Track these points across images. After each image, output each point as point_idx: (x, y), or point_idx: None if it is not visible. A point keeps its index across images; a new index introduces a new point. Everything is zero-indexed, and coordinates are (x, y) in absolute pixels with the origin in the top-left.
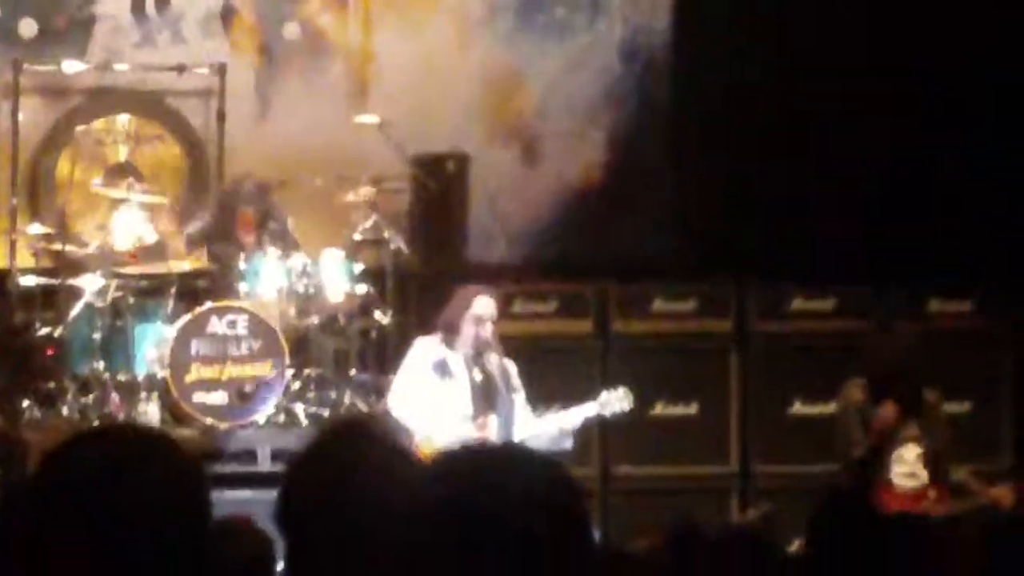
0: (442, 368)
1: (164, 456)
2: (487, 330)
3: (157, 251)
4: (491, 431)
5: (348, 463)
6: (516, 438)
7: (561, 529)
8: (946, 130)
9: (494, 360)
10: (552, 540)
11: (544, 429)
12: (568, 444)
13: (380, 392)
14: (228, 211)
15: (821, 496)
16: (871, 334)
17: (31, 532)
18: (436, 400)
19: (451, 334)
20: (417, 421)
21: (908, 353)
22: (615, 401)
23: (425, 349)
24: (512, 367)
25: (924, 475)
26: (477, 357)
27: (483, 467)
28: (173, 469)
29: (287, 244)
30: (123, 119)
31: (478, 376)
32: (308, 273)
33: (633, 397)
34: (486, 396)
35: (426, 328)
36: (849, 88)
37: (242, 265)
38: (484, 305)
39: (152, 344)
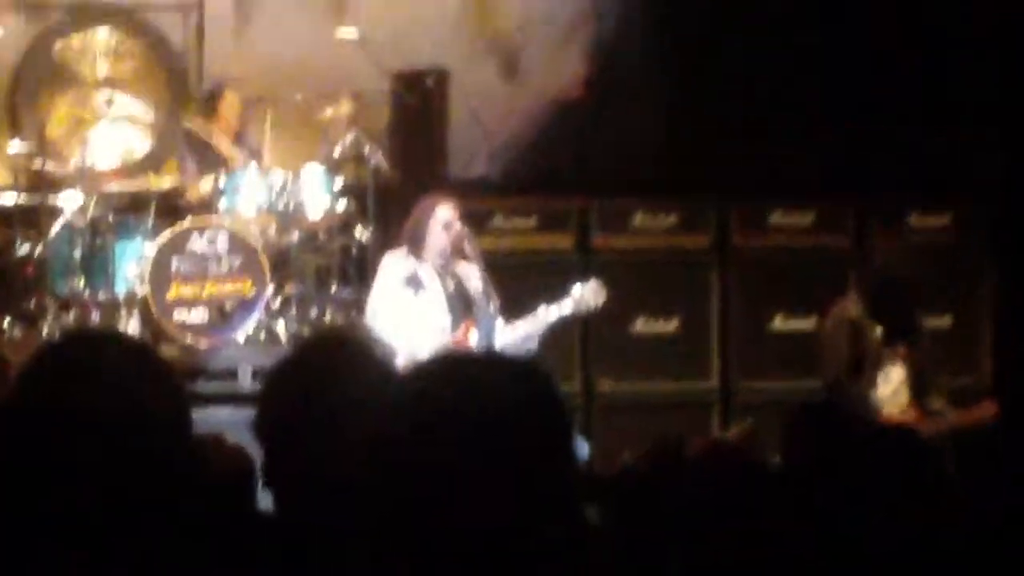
0: (414, 281)
1: (142, 361)
2: (454, 235)
3: (140, 165)
4: (471, 340)
5: (327, 372)
6: (496, 345)
7: (540, 424)
8: (929, 43)
9: (463, 267)
10: (531, 434)
11: (517, 335)
12: (533, 345)
13: (361, 308)
14: (206, 115)
15: (793, 409)
16: (869, 252)
17: (10, 447)
18: (413, 314)
19: (418, 246)
20: (397, 337)
21: (905, 272)
22: (588, 294)
23: (395, 265)
24: (480, 273)
25: (906, 396)
26: (447, 266)
27: (461, 367)
28: (153, 374)
29: (262, 159)
30: (102, 34)
31: (451, 285)
32: (288, 190)
33: (606, 292)
34: (462, 305)
35: (391, 243)
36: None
37: (222, 181)
38: (448, 212)
39: (132, 262)
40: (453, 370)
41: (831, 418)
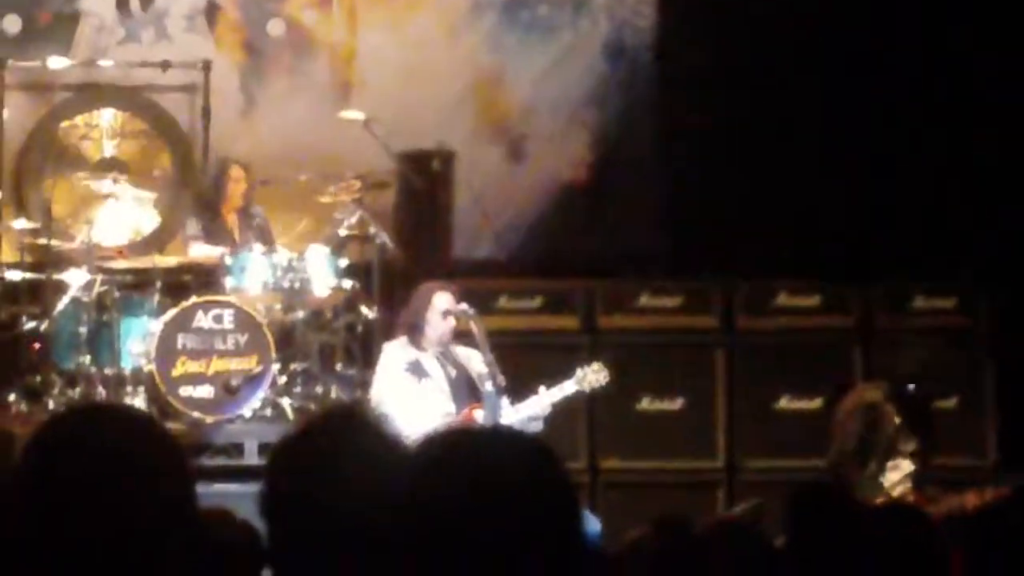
0: (417, 369)
1: (148, 434)
2: (452, 324)
3: (144, 245)
4: (476, 423)
5: (334, 449)
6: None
7: (548, 499)
8: (933, 129)
9: (462, 352)
10: (539, 508)
11: (519, 415)
12: (539, 427)
13: (366, 387)
14: (213, 191)
15: (796, 489)
16: (874, 334)
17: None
18: (417, 401)
19: (417, 334)
20: (402, 423)
21: (925, 367)
22: (591, 375)
23: (395, 353)
24: (476, 355)
25: (909, 490)
26: (446, 352)
27: (468, 440)
28: (158, 448)
29: (267, 239)
30: (108, 115)
31: (452, 372)
32: (294, 268)
33: (608, 372)
34: (466, 390)
35: (389, 333)
36: (834, 87)
37: (228, 260)
38: (446, 300)
39: (138, 338)
40: (460, 443)
41: (833, 498)
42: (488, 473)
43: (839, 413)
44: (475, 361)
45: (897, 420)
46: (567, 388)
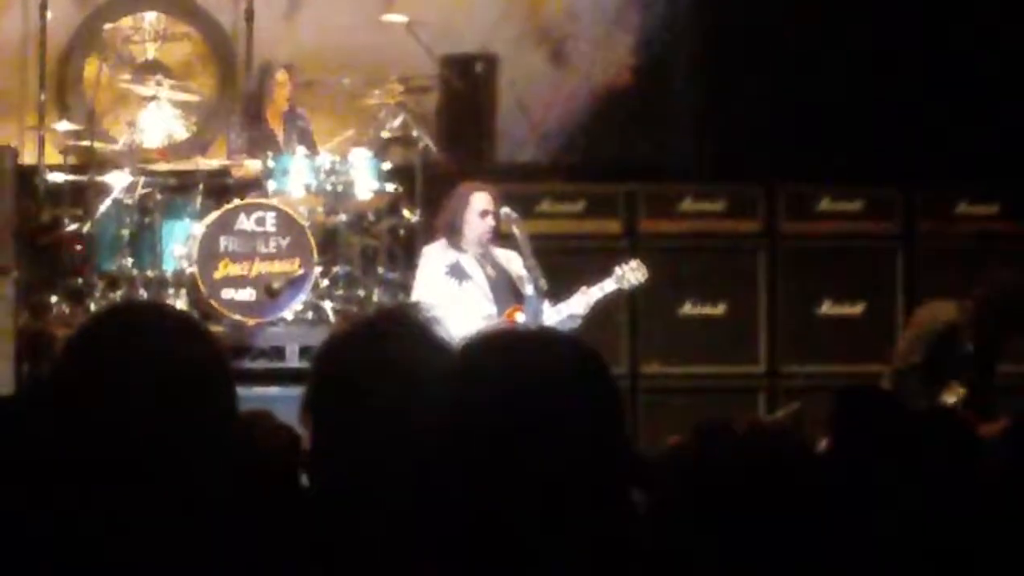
0: (457, 271)
1: (189, 334)
2: (491, 223)
3: (187, 147)
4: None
5: (383, 347)
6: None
7: (591, 395)
8: (974, 32)
9: (501, 253)
10: (589, 422)
11: (560, 315)
12: (576, 324)
13: (408, 289)
14: (257, 94)
15: (841, 391)
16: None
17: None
18: (458, 304)
19: (456, 236)
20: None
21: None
22: (629, 273)
23: (435, 256)
24: (516, 256)
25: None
26: (486, 254)
27: (512, 340)
28: (200, 348)
29: (310, 142)
30: (151, 17)
31: (492, 273)
32: (336, 171)
33: (646, 270)
34: (506, 291)
35: (430, 236)
36: None
37: (270, 163)
38: (484, 199)
39: (180, 241)
40: (503, 346)
41: (879, 402)
42: (534, 376)
43: (912, 323)
44: (515, 263)
45: (970, 346)
46: (607, 286)
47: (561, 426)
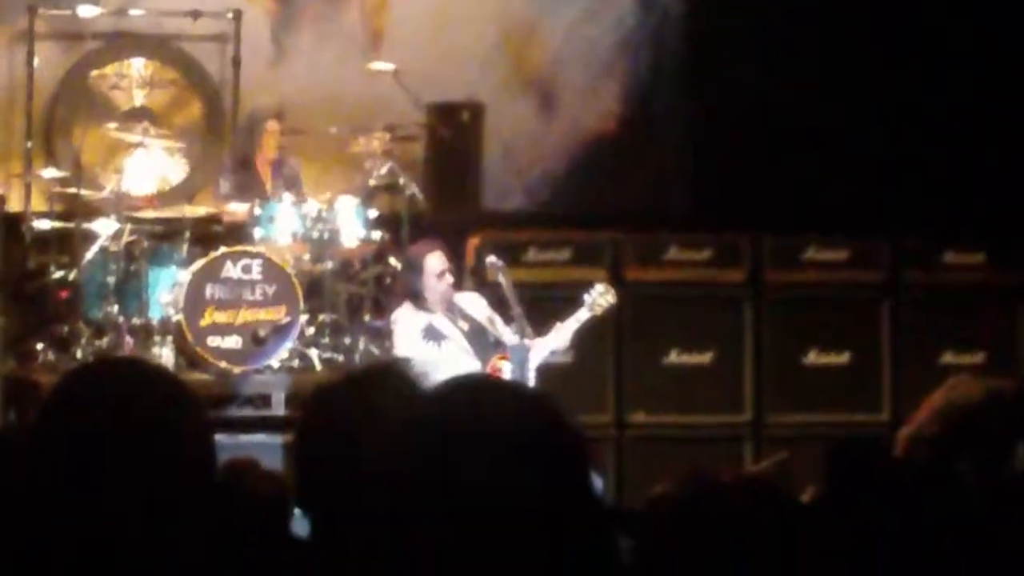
0: (433, 333)
1: (167, 389)
2: (449, 281)
3: (174, 195)
4: (504, 375)
5: (370, 401)
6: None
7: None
8: (962, 82)
9: (463, 301)
10: (547, 455)
11: (542, 352)
12: (563, 359)
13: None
14: (247, 142)
15: (834, 443)
16: (902, 289)
17: (35, 471)
18: (440, 366)
19: (420, 300)
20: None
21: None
22: (599, 297)
23: (408, 321)
24: (476, 298)
25: None
26: (451, 307)
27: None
28: (177, 403)
29: (298, 190)
30: (138, 64)
31: (464, 325)
32: (323, 219)
33: (614, 291)
34: (484, 341)
35: (393, 303)
36: (864, 42)
37: (257, 210)
38: (437, 259)
39: (166, 288)
40: (461, 397)
41: (872, 455)
42: (486, 428)
43: (936, 396)
44: (478, 305)
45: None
46: (581, 316)
47: (522, 478)
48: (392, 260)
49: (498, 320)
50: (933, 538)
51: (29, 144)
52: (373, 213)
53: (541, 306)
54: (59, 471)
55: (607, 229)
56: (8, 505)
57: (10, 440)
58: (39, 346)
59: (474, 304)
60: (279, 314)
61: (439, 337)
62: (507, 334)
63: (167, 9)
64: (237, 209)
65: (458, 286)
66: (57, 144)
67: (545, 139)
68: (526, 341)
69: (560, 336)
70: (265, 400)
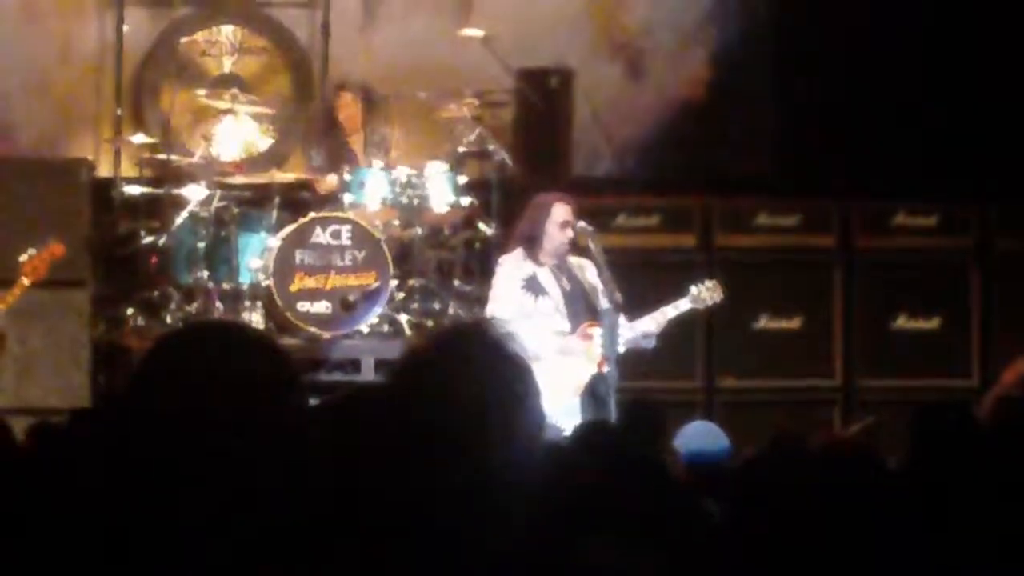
0: (534, 285)
1: (262, 352)
2: (569, 235)
3: (263, 161)
4: (595, 342)
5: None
6: (620, 349)
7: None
8: None
9: (576, 262)
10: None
11: (635, 332)
12: (651, 344)
13: (483, 303)
14: (329, 110)
15: (924, 408)
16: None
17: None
18: (532, 319)
19: (534, 247)
20: (520, 336)
21: None
22: (705, 292)
23: (513, 268)
24: (591, 266)
25: None
26: (562, 265)
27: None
28: (272, 366)
29: (388, 156)
30: (228, 30)
31: (567, 285)
32: (412, 185)
33: (723, 291)
34: (581, 304)
35: (505, 246)
36: (956, 6)
37: (347, 176)
38: (565, 210)
39: (256, 253)
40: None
41: (959, 420)
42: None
43: (1017, 365)
44: (589, 272)
45: None
46: (681, 306)
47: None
48: (481, 225)
49: (601, 292)
50: (1018, 499)
51: (119, 110)
52: (463, 179)
53: (630, 272)
54: (153, 438)
55: (696, 195)
56: (101, 473)
57: (103, 408)
58: (129, 311)
59: (583, 267)
60: (369, 279)
61: (539, 291)
62: (601, 302)
63: None
64: (329, 179)
65: (573, 249)
66: (146, 110)
67: (634, 105)
68: (616, 308)
69: (655, 321)
70: (355, 365)
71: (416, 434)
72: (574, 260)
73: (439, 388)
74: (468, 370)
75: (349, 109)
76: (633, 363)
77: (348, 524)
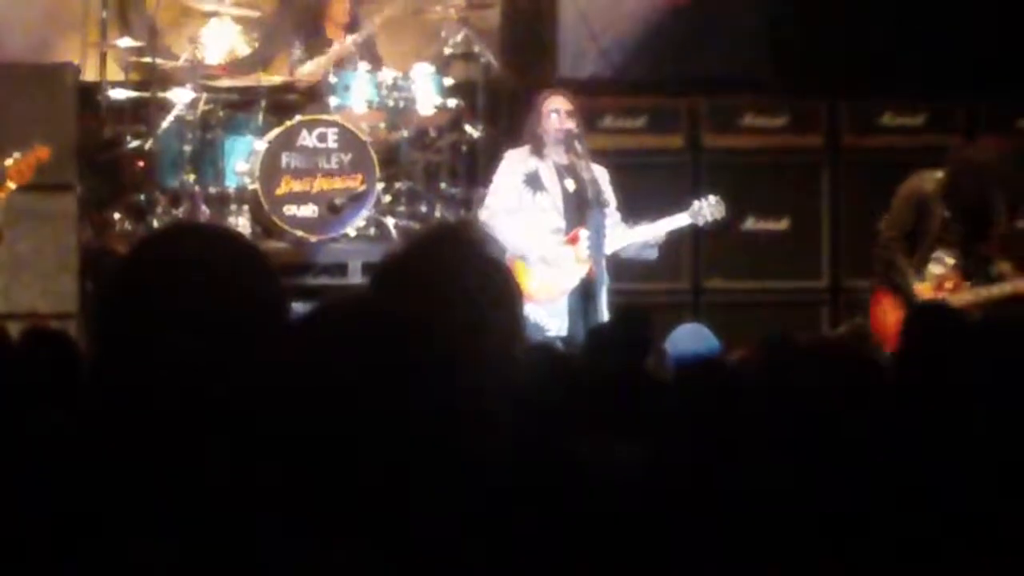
0: (534, 181)
1: (243, 255)
2: (568, 121)
3: (249, 63)
4: (581, 245)
5: (439, 267)
6: (607, 251)
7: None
8: None
9: (585, 170)
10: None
11: (632, 240)
12: (652, 254)
13: (470, 205)
14: (316, 7)
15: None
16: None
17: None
18: (529, 214)
19: (538, 142)
20: (509, 234)
21: (994, 164)
22: (707, 208)
23: (516, 161)
24: (604, 175)
25: (954, 282)
26: (571, 166)
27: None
28: (253, 269)
29: (374, 58)
30: None
31: (570, 186)
32: (398, 87)
33: (725, 206)
34: (578, 208)
35: (515, 142)
36: None
37: (332, 79)
38: (555, 100)
39: (242, 157)
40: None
41: (946, 317)
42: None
43: (898, 195)
44: (601, 180)
45: (946, 214)
46: (680, 220)
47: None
48: (468, 128)
49: (606, 201)
50: (1002, 391)
51: (104, 14)
52: (449, 81)
53: (618, 173)
54: (129, 338)
55: (683, 96)
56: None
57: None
58: (115, 215)
59: (593, 173)
60: (355, 182)
61: (538, 187)
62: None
63: None
64: (311, 73)
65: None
66: (131, 13)
67: (621, 5)
68: (603, 208)
69: (654, 232)
70: (341, 269)
71: (391, 337)
72: (595, 167)
73: (415, 291)
74: (443, 272)
75: (342, 3)
76: (621, 265)
77: (321, 432)
